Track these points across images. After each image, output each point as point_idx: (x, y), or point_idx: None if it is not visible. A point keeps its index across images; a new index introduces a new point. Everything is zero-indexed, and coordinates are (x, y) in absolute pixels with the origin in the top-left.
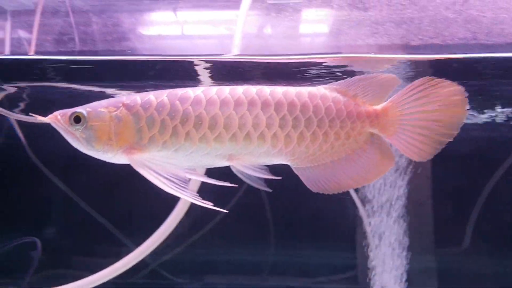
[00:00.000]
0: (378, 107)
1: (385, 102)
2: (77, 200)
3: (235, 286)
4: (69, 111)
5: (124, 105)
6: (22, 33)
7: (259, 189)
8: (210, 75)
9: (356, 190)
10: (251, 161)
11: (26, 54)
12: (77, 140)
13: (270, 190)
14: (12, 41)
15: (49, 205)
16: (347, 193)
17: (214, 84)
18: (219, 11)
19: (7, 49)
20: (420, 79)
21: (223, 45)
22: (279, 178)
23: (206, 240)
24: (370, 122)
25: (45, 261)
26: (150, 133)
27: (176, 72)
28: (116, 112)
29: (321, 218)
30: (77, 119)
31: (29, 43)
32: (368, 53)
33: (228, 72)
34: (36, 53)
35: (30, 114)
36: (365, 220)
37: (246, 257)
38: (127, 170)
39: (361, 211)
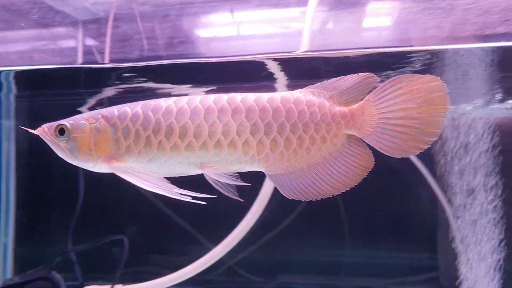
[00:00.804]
0: (354, 106)
1: (361, 101)
2: (154, 201)
3: (310, 286)
4: (55, 123)
5: (103, 117)
6: (92, 42)
7: None
8: (285, 74)
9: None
10: (223, 169)
11: (97, 63)
12: (62, 151)
13: (242, 200)
14: (84, 49)
15: (130, 205)
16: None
17: (290, 83)
18: (277, 10)
19: (80, 59)
20: (399, 75)
21: (285, 43)
22: (249, 184)
23: (281, 238)
24: (345, 123)
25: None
26: (126, 143)
27: (249, 73)
28: (95, 124)
29: (398, 216)
30: (61, 131)
31: (99, 51)
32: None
33: (300, 69)
34: (112, 60)
35: (20, 126)
36: (452, 220)
37: (321, 257)
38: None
39: (448, 210)
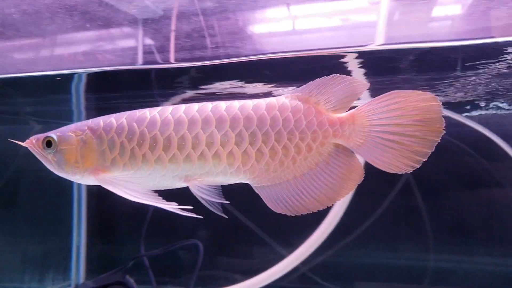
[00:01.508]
0: (343, 115)
1: (353, 110)
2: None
3: None
4: (42, 136)
5: (89, 128)
6: (149, 41)
7: (413, 189)
8: (362, 68)
9: None
10: (209, 182)
11: (157, 63)
12: (50, 163)
13: (226, 216)
14: (145, 48)
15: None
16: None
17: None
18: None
19: (140, 59)
20: (397, 90)
21: (356, 36)
22: (228, 202)
23: (358, 244)
24: (333, 132)
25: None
26: (111, 155)
27: (322, 68)
28: (82, 136)
29: (491, 217)
30: (48, 143)
31: (159, 51)
32: None
33: (377, 63)
34: (178, 60)
35: (9, 139)
36: None
37: (401, 263)
38: None
39: None
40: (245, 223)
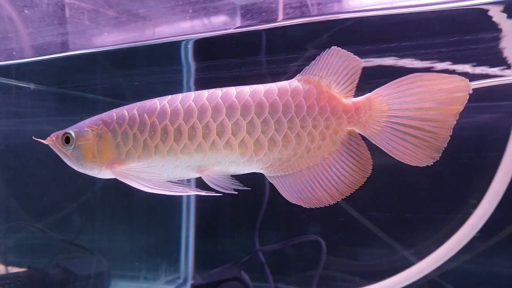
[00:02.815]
0: (358, 99)
1: (369, 94)
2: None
3: None
4: (61, 132)
5: (103, 122)
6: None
7: None
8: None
9: None
10: (222, 172)
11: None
12: (69, 160)
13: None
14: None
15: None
16: None
17: None
18: None
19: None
20: (418, 73)
21: None
22: (249, 188)
23: (500, 247)
24: (348, 119)
25: (306, 261)
26: (126, 147)
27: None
28: (97, 130)
29: None
30: (67, 139)
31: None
32: None
33: None
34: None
35: (33, 137)
36: None
37: None
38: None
39: None
40: (360, 221)
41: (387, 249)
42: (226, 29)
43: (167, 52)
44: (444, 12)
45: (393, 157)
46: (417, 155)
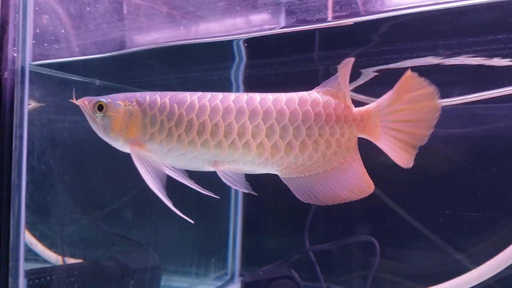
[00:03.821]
0: (361, 109)
1: (370, 105)
2: (388, 203)
3: None
4: (95, 99)
5: (136, 101)
6: None
7: None
8: None
9: None
10: (236, 169)
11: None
12: (96, 126)
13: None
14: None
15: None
16: None
17: None
18: None
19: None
20: (405, 79)
21: None
22: (255, 194)
23: None
24: (357, 126)
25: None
26: (151, 130)
27: None
28: (129, 106)
29: None
30: (100, 107)
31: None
32: None
33: None
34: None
35: (71, 100)
36: None
37: None
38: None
39: None
40: (410, 223)
41: (438, 252)
42: (281, 27)
43: (217, 50)
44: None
45: (446, 158)
46: (400, 157)
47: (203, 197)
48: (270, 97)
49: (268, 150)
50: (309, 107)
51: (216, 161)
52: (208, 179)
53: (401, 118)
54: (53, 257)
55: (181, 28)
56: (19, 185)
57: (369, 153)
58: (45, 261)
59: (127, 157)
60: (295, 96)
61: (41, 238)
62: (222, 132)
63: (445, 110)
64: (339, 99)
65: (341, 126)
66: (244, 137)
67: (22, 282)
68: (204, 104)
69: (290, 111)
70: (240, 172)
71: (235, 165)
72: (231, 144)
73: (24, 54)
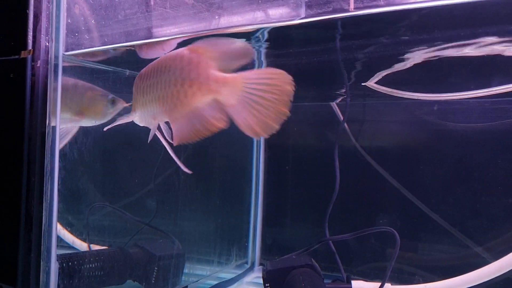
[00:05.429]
0: (227, 75)
1: (235, 73)
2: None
3: None
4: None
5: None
6: None
7: None
8: None
9: None
10: (162, 120)
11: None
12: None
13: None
14: None
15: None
16: None
17: None
18: None
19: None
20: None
21: None
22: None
23: None
24: (215, 88)
25: (372, 252)
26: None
27: None
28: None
29: None
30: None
31: None
32: None
33: None
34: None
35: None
36: None
37: None
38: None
39: None
40: (429, 215)
41: (457, 245)
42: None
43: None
44: None
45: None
46: (253, 130)
47: (225, 187)
48: (168, 54)
49: (157, 101)
50: (177, 61)
51: (153, 115)
52: (234, 168)
53: (259, 93)
54: (78, 243)
55: (205, 19)
56: (52, 170)
57: (392, 149)
58: (70, 247)
59: (152, 147)
60: (174, 53)
61: (68, 225)
62: (146, 91)
63: (463, 103)
64: (203, 57)
65: (199, 82)
66: (151, 94)
67: (54, 265)
68: (146, 71)
69: (164, 65)
70: (162, 121)
71: (159, 116)
72: (147, 100)
73: (57, 44)
